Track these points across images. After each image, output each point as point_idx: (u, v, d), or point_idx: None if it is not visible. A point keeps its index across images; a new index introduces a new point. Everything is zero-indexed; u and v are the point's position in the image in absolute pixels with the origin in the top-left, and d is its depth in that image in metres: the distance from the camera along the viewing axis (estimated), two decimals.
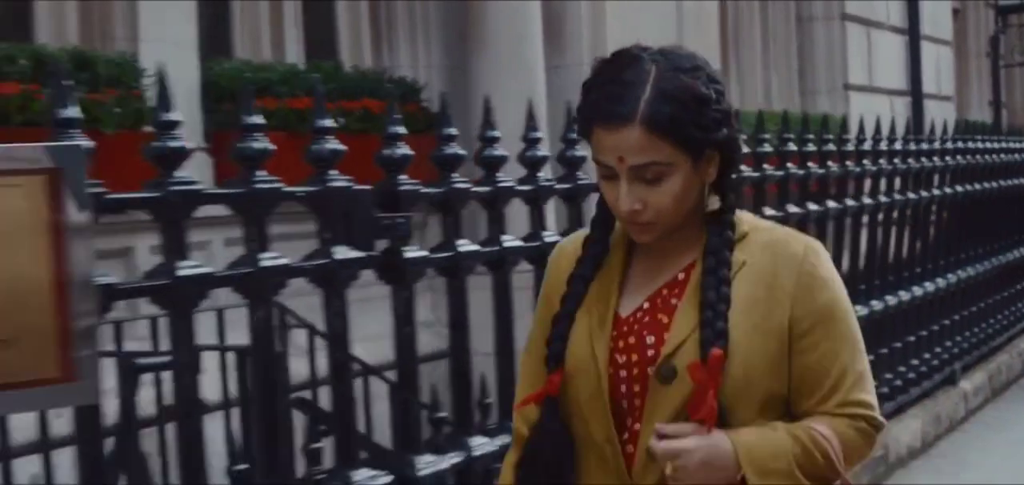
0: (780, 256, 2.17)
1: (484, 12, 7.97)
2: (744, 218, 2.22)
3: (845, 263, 6.37)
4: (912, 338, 7.18)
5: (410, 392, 3.13)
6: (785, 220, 5.36)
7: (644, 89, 2.06)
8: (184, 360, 2.56)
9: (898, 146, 7.18)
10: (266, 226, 2.71)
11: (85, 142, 2.31)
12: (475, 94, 7.22)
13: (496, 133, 3.55)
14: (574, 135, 3.86)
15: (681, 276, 2.19)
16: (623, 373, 2.17)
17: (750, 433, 2.13)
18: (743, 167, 5.06)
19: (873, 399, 2.21)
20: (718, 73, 2.16)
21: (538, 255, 3.48)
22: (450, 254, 3.26)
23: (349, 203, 2.88)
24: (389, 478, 2.99)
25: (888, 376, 6.79)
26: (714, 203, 2.19)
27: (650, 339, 2.15)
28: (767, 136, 5.62)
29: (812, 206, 5.83)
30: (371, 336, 4.75)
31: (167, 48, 6.01)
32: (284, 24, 7.59)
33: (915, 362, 7.21)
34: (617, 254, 2.24)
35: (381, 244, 3.03)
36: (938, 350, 7.62)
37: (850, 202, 6.37)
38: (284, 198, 2.77)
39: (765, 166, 5.45)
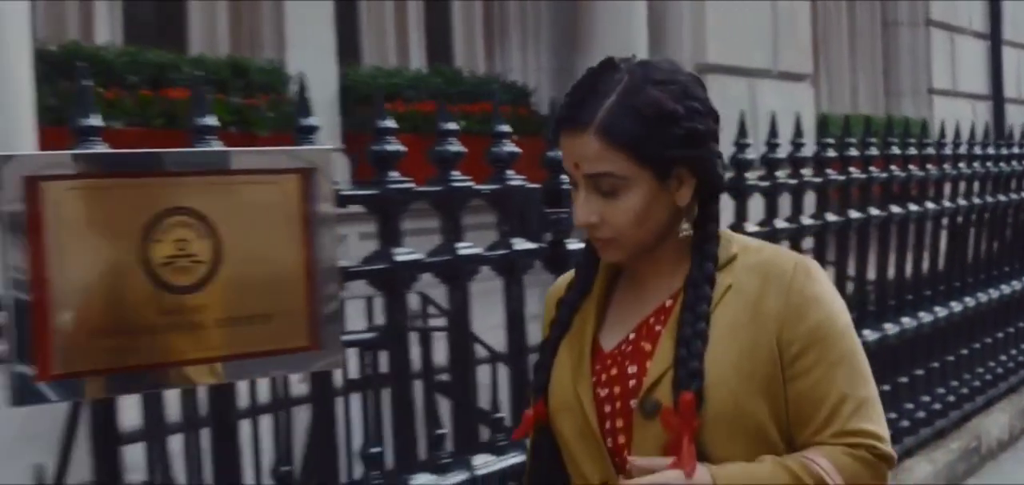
0: (767, 276, 2.02)
1: (591, 16, 8.33)
2: (734, 239, 2.08)
3: (926, 265, 6.46)
4: (1000, 335, 7.36)
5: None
6: (866, 223, 5.62)
7: (609, 98, 1.96)
8: (397, 335, 2.94)
9: (978, 150, 7.26)
10: (461, 219, 3.09)
11: (328, 146, 2.72)
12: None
13: (506, 129, 3.50)
14: None
15: (668, 303, 2.05)
16: (607, 408, 2.04)
17: (734, 467, 1.96)
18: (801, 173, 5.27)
19: (878, 428, 2.01)
20: (700, 92, 2.02)
21: None
22: None
23: (524, 200, 3.28)
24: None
25: (979, 370, 6.98)
26: (685, 228, 2.06)
27: (632, 369, 2.02)
28: (852, 140, 5.70)
29: (894, 209, 5.97)
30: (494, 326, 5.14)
31: (310, 54, 6.47)
32: (408, 28, 7.97)
33: (1003, 358, 7.40)
34: (601, 280, 2.12)
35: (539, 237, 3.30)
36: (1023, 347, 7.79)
37: (931, 205, 6.48)
38: (472, 195, 3.11)
39: (851, 170, 5.57)
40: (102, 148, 2.41)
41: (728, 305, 2.00)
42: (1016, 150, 7.94)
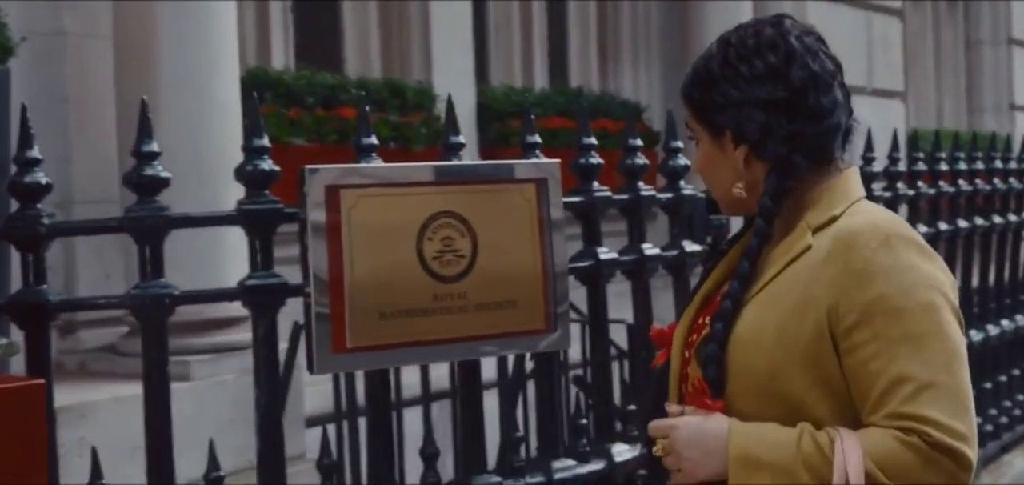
0: (838, 241, 1.90)
1: (700, 38, 8.69)
2: (847, 201, 1.97)
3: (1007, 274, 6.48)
4: None
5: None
6: (954, 236, 5.79)
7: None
8: (599, 327, 3.30)
9: None
10: (645, 224, 3.48)
11: (554, 160, 3.09)
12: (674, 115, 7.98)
13: (680, 144, 3.61)
14: None
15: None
16: (686, 354, 2.07)
17: (754, 425, 1.90)
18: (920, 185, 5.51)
19: (941, 416, 1.79)
20: (772, 58, 1.97)
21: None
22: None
23: (692, 207, 3.67)
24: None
25: None
26: (738, 190, 2.02)
27: (706, 320, 2.03)
28: (942, 155, 5.70)
29: (979, 221, 5.97)
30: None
31: (452, 76, 6.93)
32: (533, 51, 8.41)
33: None
34: (746, 239, 2.08)
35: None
36: None
37: (1013, 218, 6.43)
38: (652, 203, 3.46)
39: (941, 183, 5.59)
40: (378, 162, 2.84)
41: (796, 268, 1.93)
42: None
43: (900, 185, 5.21)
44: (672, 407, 2.00)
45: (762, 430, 1.88)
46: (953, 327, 1.86)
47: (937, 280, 1.88)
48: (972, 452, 1.81)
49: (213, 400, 4.68)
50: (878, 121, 8.11)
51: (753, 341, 1.92)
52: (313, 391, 5.43)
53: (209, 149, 4.75)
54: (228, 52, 4.88)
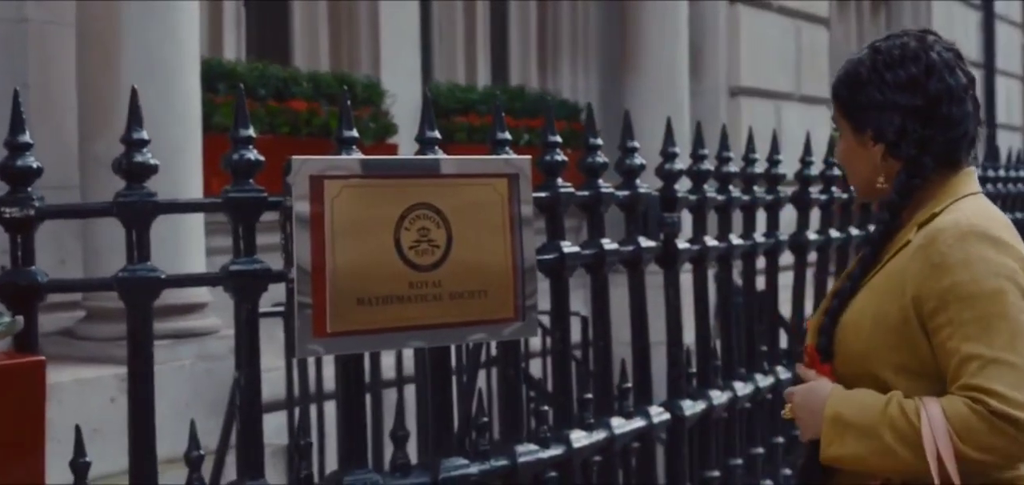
0: (925, 236, 2.15)
1: (636, 42, 8.80)
2: (952, 197, 2.22)
3: None
4: None
5: (677, 349, 3.83)
6: None
7: None
8: (561, 318, 3.34)
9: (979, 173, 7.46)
10: (603, 220, 3.55)
11: (525, 156, 3.15)
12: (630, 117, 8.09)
13: (635, 144, 3.73)
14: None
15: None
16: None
17: (853, 392, 2.18)
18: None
19: (1001, 387, 2.03)
20: (914, 69, 2.21)
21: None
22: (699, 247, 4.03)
23: (647, 205, 3.76)
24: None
25: None
26: (881, 183, 2.27)
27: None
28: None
29: None
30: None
31: (400, 74, 7.00)
32: (477, 49, 8.48)
33: None
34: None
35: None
36: None
37: None
38: (611, 201, 3.53)
39: None
40: (359, 155, 2.90)
41: (897, 260, 2.19)
42: (1013, 173, 8.10)
43: (835, 189, 5.30)
44: (802, 370, 2.29)
45: (857, 395, 2.16)
46: (1019, 309, 2.09)
47: (1007, 269, 2.10)
48: None
49: (172, 385, 4.69)
50: (806, 126, 8.27)
51: (854, 325, 2.21)
52: (265, 378, 5.45)
53: (170, 139, 4.75)
54: (190, 43, 4.90)
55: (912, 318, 2.13)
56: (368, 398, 5.25)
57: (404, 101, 6.82)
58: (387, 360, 5.41)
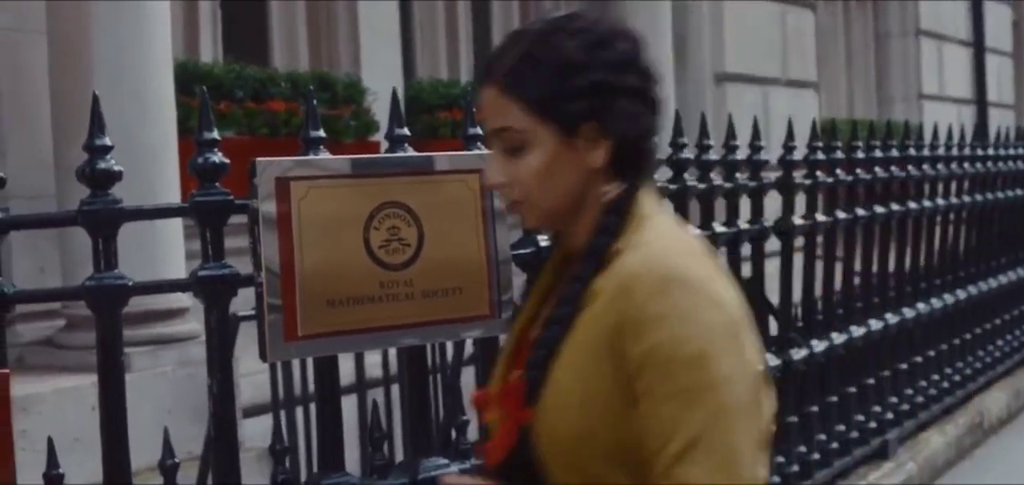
0: (619, 284, 1.66)
1: None
2: (638, 226, 1.73)
3: (931, 257, 6.74)
4: (997, 321, 7.79)
5: None
6: (871, 221, 5.82)
7: (516, 50, 1.74)
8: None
9: (968, 152, 7.45)
10: None
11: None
12: None
13: None
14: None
15: None
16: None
17: None
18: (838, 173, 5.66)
19: (704, 478, 1.57)
20: (623, 45, 1.75)
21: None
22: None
23: None
24: None
25: (980, 353, 7.37)
26: (606, 192, 1.76)
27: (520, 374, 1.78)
28: (859, 144, 5.82)
29: (894, 207, 6.12)
30: None
31: (380, 72, 6.98)
32: (459, 45, 8.48)
33: (1000, 342, 7.82)
34: (553, 262, 1.90)
35: None
36: (1017, 333, 8.24)
37: (927, 203, 6.70)
38: None
39: (858, 171, 5.69)
40: (326, 154, 2.89)
41: (590, 312, 1.69)
42: (1001, 152, 8.19)
43: (819, 173, 5.32)
44: (453, 478, 2.05)
45: None
46: (731, 375, 1.62)
47: (716, 325, 1.63)
48: None
49: (153, 391, 4.69)
50: (792, 111, 8.29)
51: (555, 393, 1.69)
52: (248, 382, 5.45)
53: (143, 144, 4.74)
54: (162, 47, 4.88)
55: (614, 388, 1.64)
56: (355, 399, 5.29)
57: (386, 98, 6.78)
58: (373, 359, 5.41)
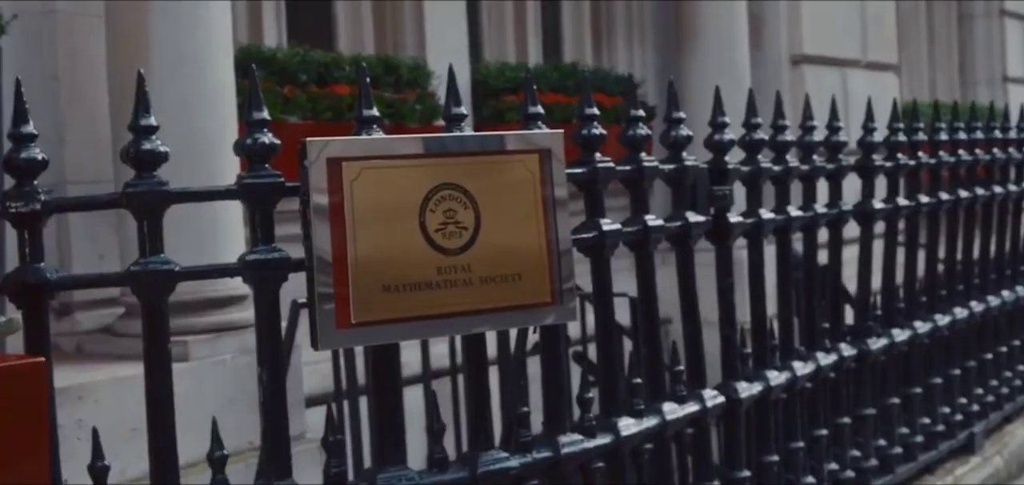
0: None
1: (694, 13, 8.69)
2: None
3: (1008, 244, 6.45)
4: None
5: (730, 329, 3.72)
6: (955, 206, 5.69)
7: None
8: (604, 300, 3.24)
9: None
10: (648, 195, 3.44)
11: (557, 131, 3.01)
12: (688, 91, 7.99)
13: (682, 114, 3.58)
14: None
15: None
16: None
17: None
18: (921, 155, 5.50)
19: None
20: None
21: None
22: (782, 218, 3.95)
23: (696, 178, 3.63)
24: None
25: None
26: None
27: None
28: (942, 125, 5.56)
29: (979, 191, 5.88)
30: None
31: (446, 53, 6.87)
32: (527, 28, 8.38)
33: None
34: None
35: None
36: None
37: (1012, 187, 6.43)
38: (656, 174, 3.42)
39: (941, 153, 5.52)
40: (379, 134, 2.79)
41: None
42: None
43: (900, 156, 5.17)
44: None
45: None
46: None
47: None
48: None
49: (213, 380, 4.63)
50: (872, 94, 8.09)
51: None
52: (311, 371, 5.39)
53: (204, 130, 4.69)
54: (222, 31, 4.82)
55: None
56: (420, 389, 5.20)
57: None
58: (439, 349, 5.32)
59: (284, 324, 4.64)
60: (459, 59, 7.07)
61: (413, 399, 5.13)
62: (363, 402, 5.02)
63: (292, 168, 2.63)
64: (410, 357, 5.37)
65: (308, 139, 2.63)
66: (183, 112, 4.62)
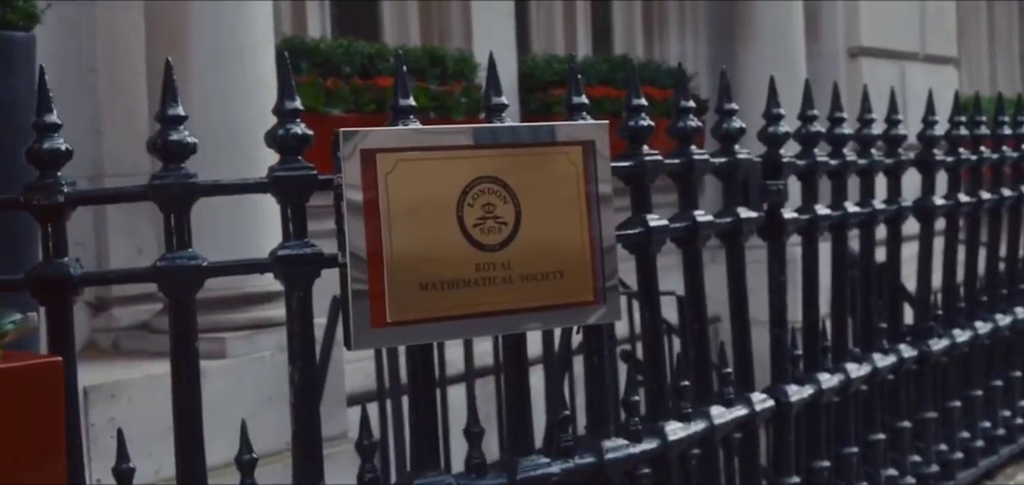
0: None
1: (749, 9, 8.56)
2: None
3: None
4: None
5: (781, 329, 3.62)
6: (1018, 202, 5.53)
7: None
8: (650, 298, 3.14)
9: None
10: (697, 190, 3.31)
11: (602, 122, 2.85)
12: (742, 84, 7.84)
13: (734, 106, 3.44)
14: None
15: None
16: None
17: None
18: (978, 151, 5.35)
19: None
20: None
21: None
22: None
23: (748, 172, 3.51)
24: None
25: None
26: None
27: None
28: (1005, 119, 5.52)
29: None
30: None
31: (493, 45, 6.76)
32: (576, 21, 8.27)
33: None
34: None
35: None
36: None
37: None
38: (706, 169, 3.32)
39: (1004, 148, 5.22)
40: (416, 125, 2.69)
41: None
42: None
43: (962, 150, 5.04)
44: None
45: None
46: None
47: None
48: None
49: (251, 378, 4.57)
50: (931, 87, 7.93)
51: None
52: (354, 368, 5.32)
53: (243, 123, 4.62)
54: (263, 23, 4.75)
55: None
56: (463, 389, 5.11)
57: (499, 74, 6.61)
58: (482, 346, 5.24)
59: (324, 320, 4.62)
60: (506, 51, 7.00)
61: (458, 397, 5.07)
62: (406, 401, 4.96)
63: (331, 162, 2.55)
64: (454, 355, 5.29)
65: (342, 130, 2.54)
66: (222, 104, 4.56)
